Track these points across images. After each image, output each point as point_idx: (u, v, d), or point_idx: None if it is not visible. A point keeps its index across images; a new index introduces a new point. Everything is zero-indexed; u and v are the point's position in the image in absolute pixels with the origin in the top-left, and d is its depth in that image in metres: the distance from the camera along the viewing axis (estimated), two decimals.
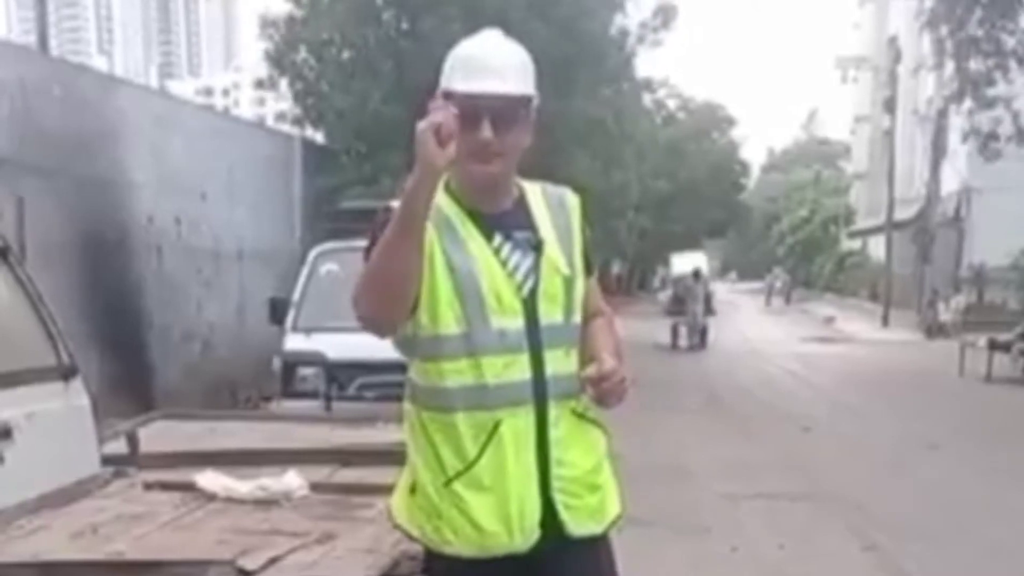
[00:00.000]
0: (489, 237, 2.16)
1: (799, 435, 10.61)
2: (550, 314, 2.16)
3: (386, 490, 2.45)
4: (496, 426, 2.11)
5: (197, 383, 11.16)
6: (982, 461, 9.18)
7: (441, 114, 1.96)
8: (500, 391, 2.11)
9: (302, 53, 16.89)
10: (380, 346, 2.28)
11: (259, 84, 18.85)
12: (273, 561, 2.41)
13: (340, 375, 7.72)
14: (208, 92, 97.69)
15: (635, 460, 6.69)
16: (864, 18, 47.18)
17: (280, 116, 18.50)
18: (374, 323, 2.11)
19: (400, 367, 2.29)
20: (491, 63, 2.11)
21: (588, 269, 2.28)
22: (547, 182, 2.34)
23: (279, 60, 16.88)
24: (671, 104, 49.15)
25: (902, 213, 31.92)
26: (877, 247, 36.35)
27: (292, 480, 3.09)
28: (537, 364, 2.14)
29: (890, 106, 32.60)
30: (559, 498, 2.15)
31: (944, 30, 17.77)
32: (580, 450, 2.20)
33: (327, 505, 3.00)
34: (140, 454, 3.62)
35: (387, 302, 2.06)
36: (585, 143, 17.53)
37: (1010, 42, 17.50)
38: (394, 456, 2.60)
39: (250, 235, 13.17)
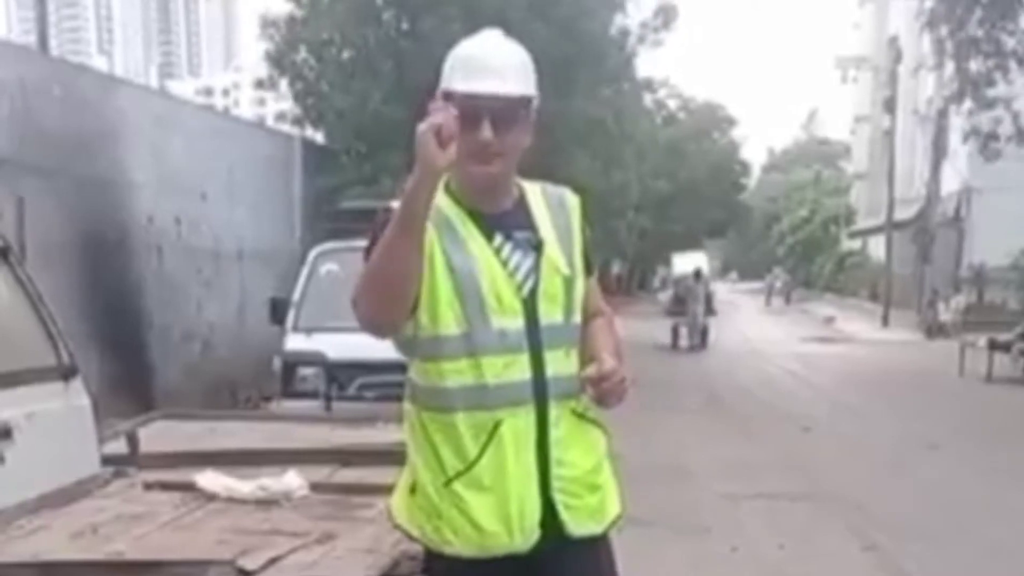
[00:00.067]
0: (489, 237, 2.16)
1: (799, 435, 10.62)
2: (550, 314, 2.16)
3: (386, 490, 2.45)
4: (496, 426, 2.11)
5: (197, 383, 11.16)
6: (982, 461, 9.18)
7: (441, 115, 1.96)
8: (500, 391, 2.11)
9: (302, 53, 16.89)
10: (380, 346, 2.28)
11: (259, 84, 18.81)
12: (273, 561, 2.41)
13: (340, 375, 7.73)
14: (208, 92, 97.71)
15: (635, 460, 6.68)
16: (864, 18, 47.18)
17: (280, 116, 18.48)
18: (374, 324, 2.11)
19: (400, 367, 2.29)
20: (491, 63, 2.11)
21: (588, 269, 2.28)
22: (547, 182, 2.34)
23: (279, 60, 16.88)
24: (671, 104, 49.15)
25: (902, 213, 31.92)
26: (877, 247, 36.36)
27: (292, 480, 3.09)
28: (537, 364, 2.14)
29: (890, 106, 32.61)
30: (559, 498, 2.15)
31: (944, 30, 17.77)
32: (580, 450, 2.20)
33: (327, 505, 3.00)
34: (140, 454, 3.62)
35: (387, 303, 2.06)
36: (585, 143, 17.53)
37: (1010, 42, 17.50)
38: (394, 456, 2.60)
39: (250, 235, 13.17)
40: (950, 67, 18.75)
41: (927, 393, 14.61)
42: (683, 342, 21.76)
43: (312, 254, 8.83)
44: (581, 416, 2.22)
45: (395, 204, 2.05)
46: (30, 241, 8.06)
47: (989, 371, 15.52)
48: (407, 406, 2.24)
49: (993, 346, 15.83)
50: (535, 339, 2.14)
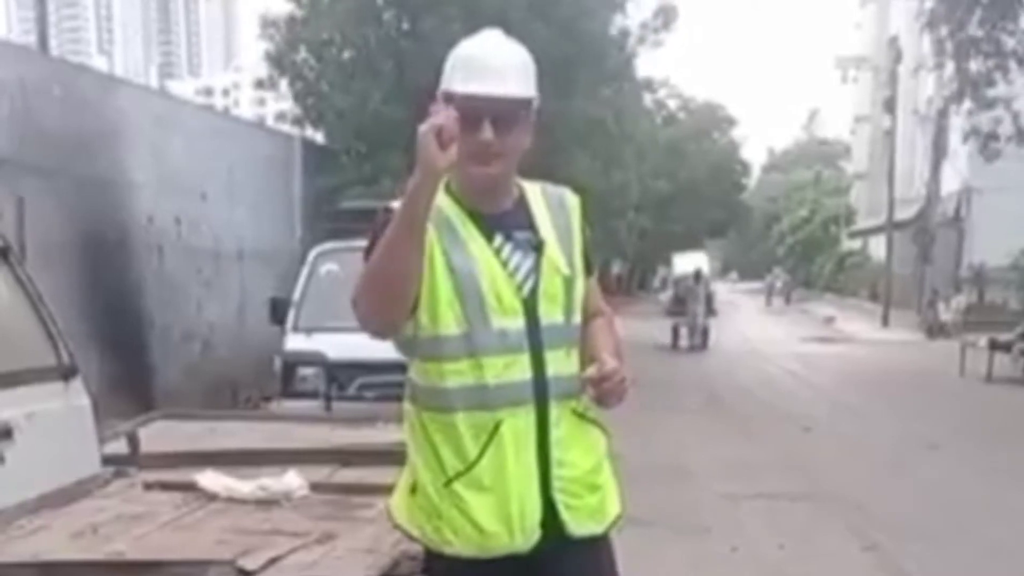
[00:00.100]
0: (489, 237, 2.16)
1: (799, 435, 10.61)
2: (550, 314, 2.16)
3: (386, 490, 2.45)
4: (497, 426, 2.11)
5: (197, 383, 11.16)
6: (982, 461, 9.18)
7: (442, 116, 1.96)
8: (501, 391, 2.11)
9: (302, 53, 16.88)
10: (380, 346, 2.28)
11: (259, 84, 18.79)
12: (273, 561, 2.41)
13: (340, 375, 7.73)
14: (208, 92, 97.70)
15: (635, 460, 6.68)
16: (865, 18, 47.18)
17: (280, 116, 18.47)
18: (374, 324, 2.11)
19: (400, 367, 2.29)
20: (492, 64, 2.10)
21: (588, 269, 2.28)
22: (547, 182, 2.34)
23: (279, 60, 16.87)
24: (671, 104, 49.16)
25: (902, 213, 31.93)
26: (877, 247, 36.36)
27: (293, 480, 3.09)
28: (538, 364, 2.14)
29: (890, 106, 32.61)
30: (559, 498, 2.15)
31: (944, 30, 17.78)
32: (580, 450, 2.20)
33: (327, 505, 3.00)
34: (140, 454, 3.62)
35: (387, 303, 2.06)
36: (585, 143, 17.53)
37: (1010, 43, 17.51)
38: (394, 456, 2.60)
39: (250, 235, 13.17)
40: (950, 67, 18.76)
41: (927, 393, 14.61)
42: (683, 342, 21.75)
43: (312, 254, 8.83)
44: (581, 416, 2.22)
45: (395, 204, 2.05)
46: (30, 241, 8.06)
47: (989, 371, 15.52)
48: (407, 406, 2.24)
49: (993, 346, 15.83)
50: (535, 339, 2.14)
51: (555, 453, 2.15)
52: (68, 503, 2.97)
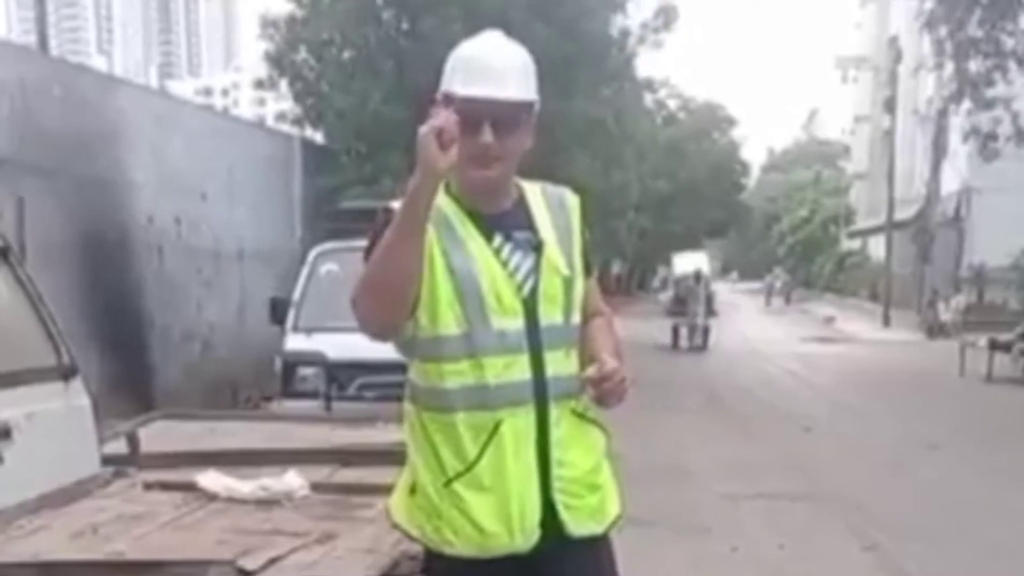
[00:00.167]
0: (489, 238, 2.16)
1: (799, 435, 10.62)
2: (550, 315, 2.16)
3: (386, 490, 2.45)
4: (497, 426, 2.11)
5: (197, 383, 11.16)
6: (982, 461, 9.18)
7: (442, 118, 1.96)
8: (501, 391, 2.11)
9: (302, 53, 16.87)
10: (380, 346, 2.28)
11: (259, 84, 18.76)
12: (273, 561, 2.41)
13: (340, 375, 7.72)
14: (208, 92, 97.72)
15: (635, 460, 6.69)
16: (865, 18, 47.16)
17: (280, 116, 18.46)
18: (373, 326, 2.10)
19: (400, 367, 2.29)
20: (492, 66, 2.10)
21: (587, 270, 2.28)
22: (547, 182, 2.34)
23: (279, 60, 16.87)
24: (671, 104, 49.15)
25: (902, 213, 31.93)
26: (877, 247, 36.35)
27: (293, 480, 3.09)
28: (537, 364, 2.14)
29: (890, 106, 32.61)
30: (559, 498, 2.15)
31: (943, 31, 17.78)
32: (580, 450, 2.21)
33: (327, 505, 3.00)
34: (140, 454, 3.62)
35: (387, 304, 2.06)
36: (585, 143, 17.52)
37: (1009, 43, 17.51)
38: (394, 456, 2.60)
39: (250, 235, 13.17)
40: (950, 67, 18.76)
41: (927, 393, 14.62)
42: (683, 342, 21.75)
43: (312, 254, 8.83)
44: (581, 416, 2.22)
45: (395, 204, 2.05)
46: (30, 241, 8.06)
47: (989, 371, 15.53)
48: (407, 406, 2.24)
49: (993, 346, 15.84)
50: (535, 339, 2.14)
51: (555, 453, 2.15)
52: (68, 503, 2.97)
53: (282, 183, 14.67)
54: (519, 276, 2.16)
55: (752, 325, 30.88)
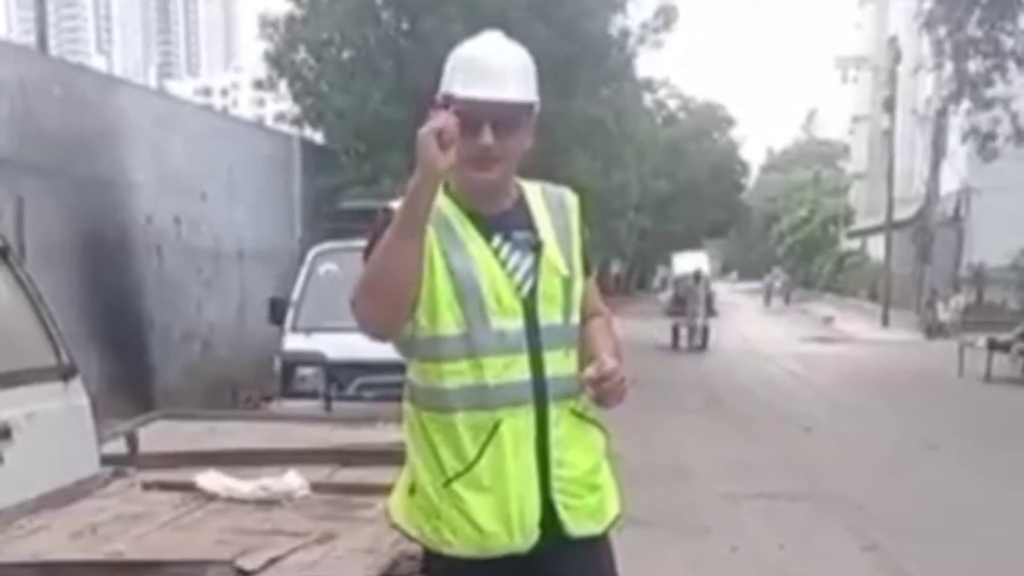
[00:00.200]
0: (489, 238, 2.16)
1: (799, 435, 10.62)
2: (549, 315, 2.16)
3: (386, 490, 2.44)
4: (496, 426, 2.11)
5: (197, 383, 11.15)
6: (982, 461, 9.18)
7: (442, 119, 1.96)
8: (500, 391, 2.11)
9: (302, 53, 16.88)
10: (380, 346, 2.28)
11: (258, 84, 18.75)
12: (273, 561, 2.41)
13: (340, 375, 7.72)
14: (207, 92, 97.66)
15: (635, 460, 6.69)
16: (865, 18, 47.17)
17: (280, 116, 18.46)
18: (373, 325, 2.10)
19: (400, 367, 2.29)
20: (492, 68, 2.10)
21: (587, 270, 2.28)
22: (547, 182, 2.34)
23: (279, 60, 16.87)
24: (671, 104, 49.16)
25: (902, 213, 31.93)
26: (877, 247, 36.36)
27: (293, 480, 3.09)
28: (537, 364, 2.14)
29: (890, 106, 32.61)
30: (559, 498, 2.15)
31: (943, 31, 17.78)
32: (580, 450, 2.21)
33: (327, 505, 3.00)
34: (140, 454, 3.62)
35: (387, 305, 2.06)
36: (585, 143, 17.53)
37: (1008, 43, 17.51)
38: (394, 456, 2.60)
39: (250, 235, 13.17)
40: (949, 67, 18.76)
41: (927, 393, 14.62)
42: (683, 342, 21.75)
43: (311, 254, 8.83)
44: (581, 416, 2.22)
45: (395, 204, 2.05)
46: (30, 241, 8.05)
47: (988, 371, 15.53)
48: (406, 406, 2.24)
49: (993, 346, 15.83)
50: (534, 340, 2.14)
51: (554, 453, 2.15)
52: (68, 503, 2.97)
53: (282, 183, 14.67)
54: (518, 276, 2.16)
55: (752, 325, 30.88)
